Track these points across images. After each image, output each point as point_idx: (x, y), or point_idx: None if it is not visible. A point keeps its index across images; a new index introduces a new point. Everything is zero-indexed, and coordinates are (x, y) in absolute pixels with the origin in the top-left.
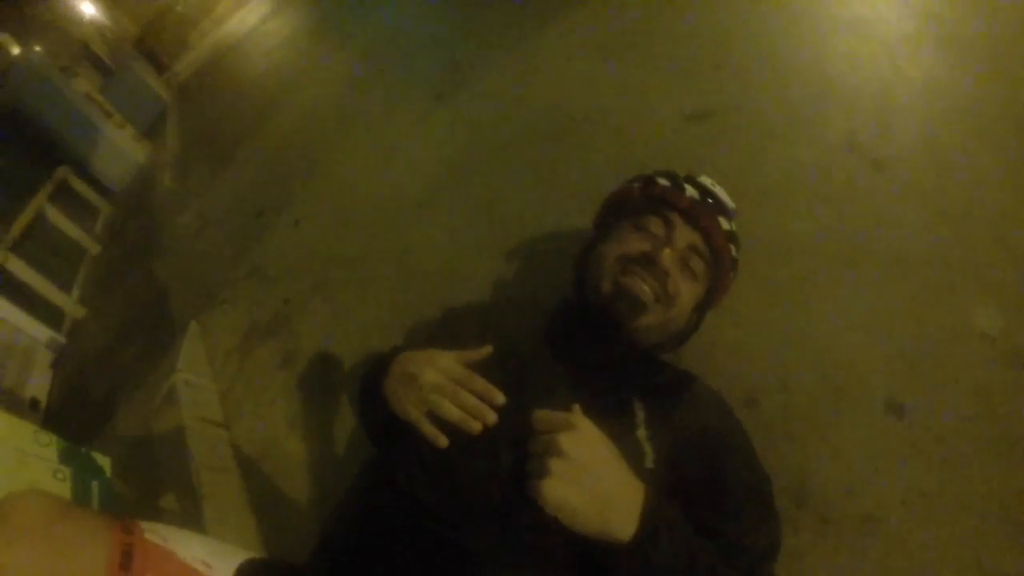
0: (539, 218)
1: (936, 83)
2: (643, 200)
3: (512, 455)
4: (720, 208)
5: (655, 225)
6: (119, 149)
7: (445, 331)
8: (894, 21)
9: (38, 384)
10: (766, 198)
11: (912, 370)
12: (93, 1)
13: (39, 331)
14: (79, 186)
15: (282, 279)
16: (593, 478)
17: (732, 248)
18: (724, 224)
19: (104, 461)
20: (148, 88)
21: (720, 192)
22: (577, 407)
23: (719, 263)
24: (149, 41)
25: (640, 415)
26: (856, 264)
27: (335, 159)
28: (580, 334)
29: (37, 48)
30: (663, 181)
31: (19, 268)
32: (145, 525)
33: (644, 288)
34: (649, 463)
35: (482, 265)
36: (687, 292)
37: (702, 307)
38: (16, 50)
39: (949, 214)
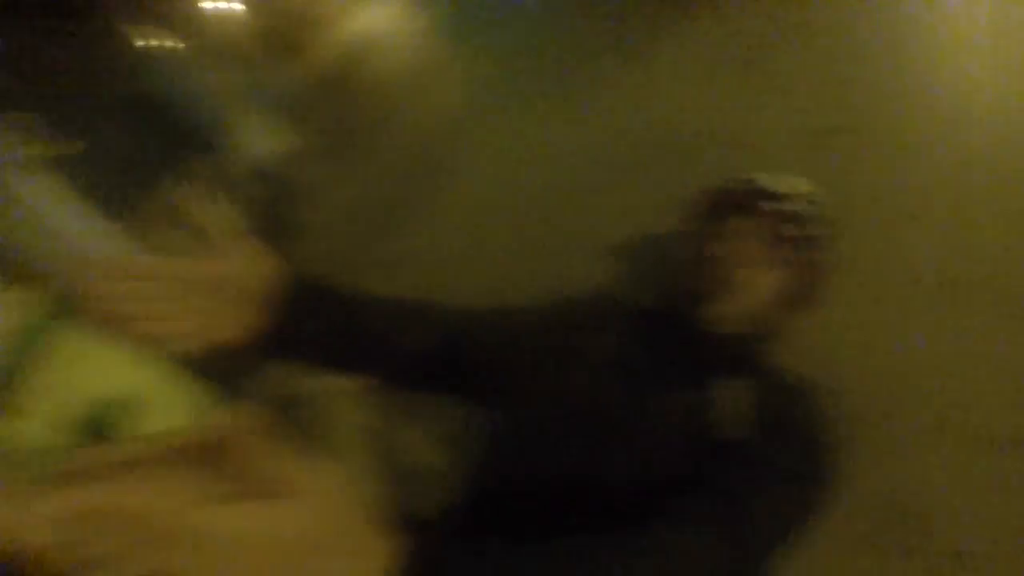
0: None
1: None
2: (712, 209)
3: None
4: (771, 195)
5: (730, 227)
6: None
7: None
8: None
9: None
10: (900, 219)
11: None
12: None
13: None
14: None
15: None
16: None
17: (796, 227)
18: (786, 206)
19: None
20: (285, 81)
21: (776, 183)
22: None
23: (792, 245)
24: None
25: (719, 392)
26: (993, 294)
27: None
28: (668, 336)
29: (189, 40)
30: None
31: None
32: None
33: (724, 280)
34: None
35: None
36: (761, 281)
37: (795, 298)
38: (167, 41)
39: None
